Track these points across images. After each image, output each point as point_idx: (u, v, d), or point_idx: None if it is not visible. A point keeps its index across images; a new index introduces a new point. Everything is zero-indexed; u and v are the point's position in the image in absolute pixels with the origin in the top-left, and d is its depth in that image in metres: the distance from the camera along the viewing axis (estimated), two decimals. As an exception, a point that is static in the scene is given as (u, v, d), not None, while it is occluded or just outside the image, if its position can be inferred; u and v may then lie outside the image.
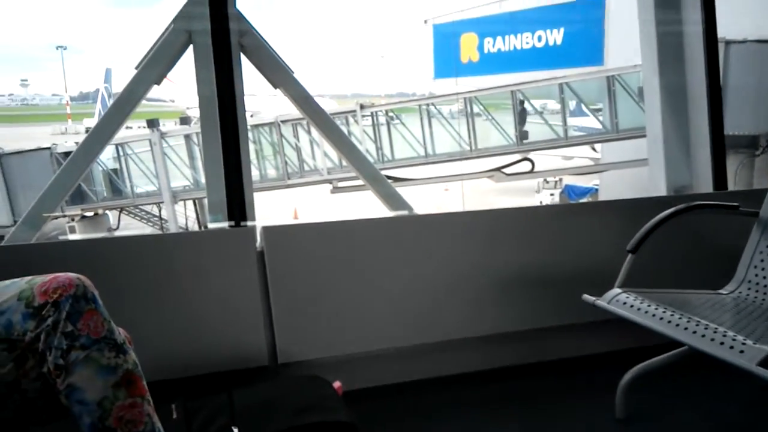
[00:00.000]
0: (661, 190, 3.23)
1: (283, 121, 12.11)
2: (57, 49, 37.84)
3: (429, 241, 2.30)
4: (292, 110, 11.65)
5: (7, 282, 1.31)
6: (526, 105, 12.29)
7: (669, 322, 1.67)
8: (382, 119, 12.59)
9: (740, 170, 7.92)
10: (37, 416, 1.35)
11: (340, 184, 11.88)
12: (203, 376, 2.05)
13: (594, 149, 13.91)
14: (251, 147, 11.70)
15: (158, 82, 3.87)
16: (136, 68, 3.74)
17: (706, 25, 3.01)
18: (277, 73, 3.49)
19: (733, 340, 1.54)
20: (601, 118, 11.98)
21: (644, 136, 4.01)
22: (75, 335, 1.24)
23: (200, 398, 1.77)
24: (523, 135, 12.15)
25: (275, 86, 3.56)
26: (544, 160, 13.20)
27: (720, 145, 3.05)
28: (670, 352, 1.93)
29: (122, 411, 1.25)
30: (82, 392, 1.23)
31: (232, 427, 1.59)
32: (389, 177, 8.71)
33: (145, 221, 13.86)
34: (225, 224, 2.50)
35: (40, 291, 1.26)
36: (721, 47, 7.58)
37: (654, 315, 1.72)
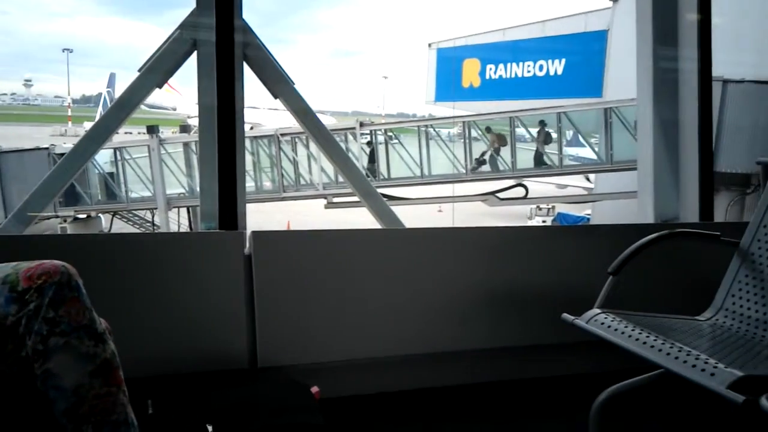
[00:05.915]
0: (649, 219, 3.27)
1: (282, 135, 12.19)
2: (63, 51, 37.87)
3: (417, 255, 2.32)
4: (291, 124, 11.75)
5: None
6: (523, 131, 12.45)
7: (644, 343, 1.69)
8: (381, 138, 12.69)
9: (731, 207, 8.00)
10: (9, 401, 1.35)
11: (335, 200, 11.93)
12: (182, 375, 2.06)
13: (588, 179, 14.03)
14: (249, 158, 11.74)
15: (160, 86, 3.92)
16: (139, 71, 3.78)
17: (701, 63, 3.07)
18: (279, 84, 3.51)
19: (705, 363, 1.56)
20: (596, 148, 12.12)
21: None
22: (56, 321, 1.24)
23: (177, 396, 1.78)
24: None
25: (275, 96, 3.59)
26: (538, 187, 13.31)
27: (708, 178, 3.10)
28: (646, 374, 1.95)
29: (97, 399, 1.25)
30: (58, 378, 1.24)
31: (207, 425, 1.60)
32: (384, 195, 8.75)
33: (137, 226, 13.85)
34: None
35: (25, 276, 1.26)
36: (719, 86, 7.77)
37: (630, 336, 1.74)
